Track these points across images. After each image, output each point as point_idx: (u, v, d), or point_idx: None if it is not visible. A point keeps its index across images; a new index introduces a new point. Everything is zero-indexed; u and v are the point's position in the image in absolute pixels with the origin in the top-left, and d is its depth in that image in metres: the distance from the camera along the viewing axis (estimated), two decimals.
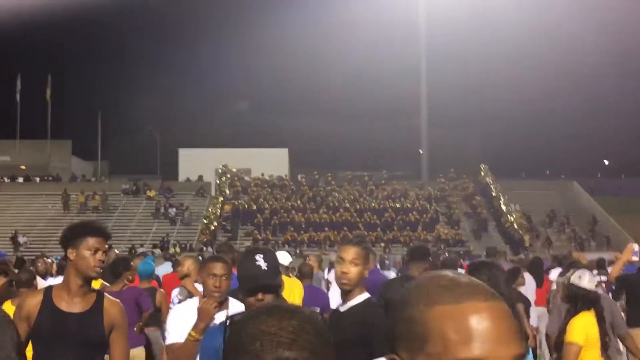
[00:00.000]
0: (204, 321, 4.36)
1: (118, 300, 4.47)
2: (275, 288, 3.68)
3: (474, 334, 1.20)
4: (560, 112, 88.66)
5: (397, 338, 1.28)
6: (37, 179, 58.18)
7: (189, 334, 4.41)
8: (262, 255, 3.74)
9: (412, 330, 1.25)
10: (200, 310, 4.41)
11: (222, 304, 4.54)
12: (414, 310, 1.25)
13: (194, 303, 4.66)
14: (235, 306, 4.60)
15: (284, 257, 9.04)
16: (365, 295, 4.31)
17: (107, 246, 4.31)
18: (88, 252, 4.18)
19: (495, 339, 1.20)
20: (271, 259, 3.75)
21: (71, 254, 4.19)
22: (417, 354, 1.23)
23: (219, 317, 4.50)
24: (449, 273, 1.30)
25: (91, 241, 4.20)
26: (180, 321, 4.52)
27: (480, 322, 1.20)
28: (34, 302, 4.11)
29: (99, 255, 4.20)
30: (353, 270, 4.25)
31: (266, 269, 3.67)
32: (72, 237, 4.24)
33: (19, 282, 7.32)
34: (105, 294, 4.44)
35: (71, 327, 4.11)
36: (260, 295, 3.62)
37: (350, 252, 4.29)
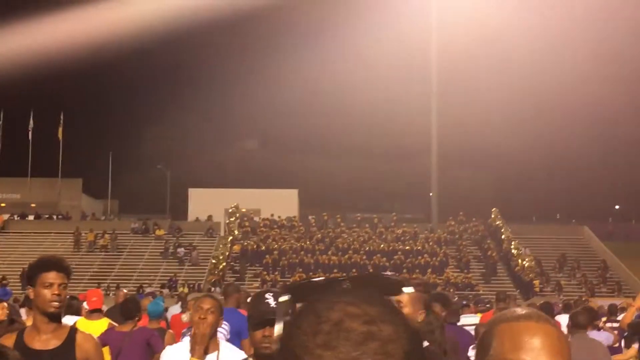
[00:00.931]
0: (200, 343, 4.41)
1: (92, 335, 4.47)
2: None
3: (523, 344, 1.67)
4: (571, 157, 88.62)
5: (477, 349, 1.80)
6: (48, 217, 58.28)
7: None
8: (271, 294, 3.77)
9: (484, 341, 1.75)
10: (193, 335, 4.49)
11: (211, 344, 4.61)
12: (487, 328, 1.78)
13: (184, 345, 4.71)
14: (227, 347, 4.63)
15: None
16: None
17: (64, 280, 4.23)
18: (43, 289, 4.15)
19: (539, 349, 1.65)
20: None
21: (31, 293, 4.20)
22: (485, 357, 1.73)
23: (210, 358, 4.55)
24: (516, 308, 1.83)
25: (45, 276, 4.17)
26: None
27: (529, 336, 1.68)
28: (7, 344, 4.08)
29: (54, 289, 4.14)
30: None
31: (275, 306, 3.68)
32: (30, 275, 4.25)
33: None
34: (79, 329, 4.42)
35: None
36: (267, 330, 3.64)
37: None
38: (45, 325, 4.17)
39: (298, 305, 1.27)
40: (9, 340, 4.12)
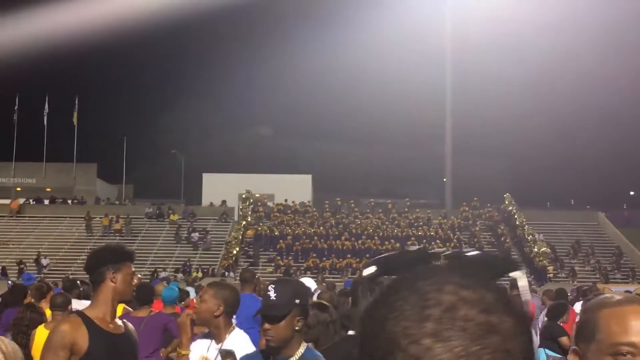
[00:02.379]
0: (183, 335, 4.42)
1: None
2: (279, 319, 3.67)
3: (631, 326, 1.75)
4: (586, 142, 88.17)
5: (576, 336, 1.87)
6: (63, 201, 58.57)
7: (178, 352, 4.51)
8: (274, 286, 3.77)
9: (587, 328, 1.82)
10: (179, 325, 4.52)
11: (221, 332, 4.59)
12: (587, 314, 1.85)
13: (204, 343, 4.68)
14: (235, 337, 4.59)
15: (307, 284, 9.04)
16: None
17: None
18: (128, 277, 4.23)
19: None
20: (283, 289, 3.75)
21: (114, 277, 4.20)
22: (590, 343, 1.78)
23: (206, 344, 4.55)
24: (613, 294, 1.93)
25: (130, 266, 4.34)
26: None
27: (636, 318, 1.75)
28: (76, 327, 4.07)
29: (135, 278, 4.34)
30: None
31: (274, 299, 3.68)
32: (114, 260, 4.26)
33: (54, 305, 7.39)
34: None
35: (122, 348, 4.15)
36: (265, 325, 3.66)
37: None
38: (114, 311, 4.24)
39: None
40: (76, 321, 4.11)
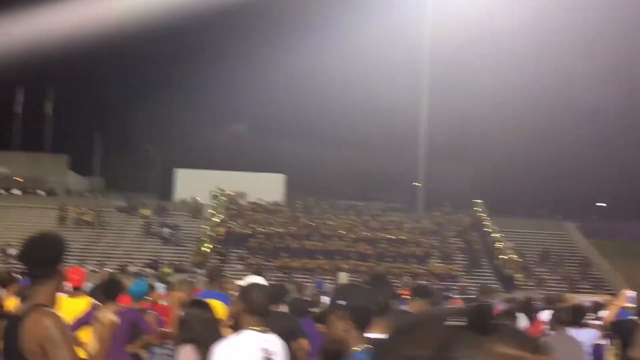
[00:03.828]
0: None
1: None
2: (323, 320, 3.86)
3: None
4: (558, 152, 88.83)
5: None
6: (34, 192, 58.02)
7: None
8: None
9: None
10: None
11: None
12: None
13: (244, 339, 4.64)
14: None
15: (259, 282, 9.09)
16: None
17: None
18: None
19: None
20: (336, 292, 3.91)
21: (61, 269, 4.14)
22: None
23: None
24: None
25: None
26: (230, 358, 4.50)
27: None
28: None
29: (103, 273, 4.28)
30: None
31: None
32: (63, 253, 4.18)
33: (23, 296, 7.32)
34: None
35: None
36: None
37: None
38: None
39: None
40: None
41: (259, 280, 9.37)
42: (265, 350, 4.51)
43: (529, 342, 1.10)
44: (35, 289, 4.07)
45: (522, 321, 11.88)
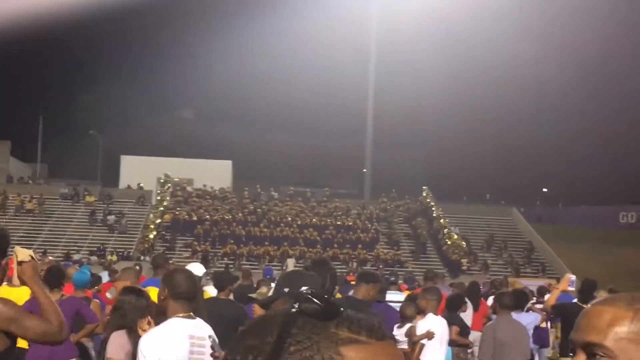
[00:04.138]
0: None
1: None
2: (265, 307, 3.83)
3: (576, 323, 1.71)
4: (503, 139, 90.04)
5: None
6: None
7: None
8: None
9: None
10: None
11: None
12: None
13: (171, 325, 4.56)
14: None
15: (197, 269, 9.10)
16: None
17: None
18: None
19: None
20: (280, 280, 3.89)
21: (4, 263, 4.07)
22: None
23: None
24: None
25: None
26: (159, 346, 4.42)
27: (582, 316, 1.70)
28: None
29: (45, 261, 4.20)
30: None
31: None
32: (6, 247, 4.10)
33: None
34: None
35: None
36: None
37: None
38: None
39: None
40: None
41: (198, 267, 9.36)
42: (193, 337, 4.45)
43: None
44: None
45: (468, 305, 12.01)
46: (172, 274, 4.92)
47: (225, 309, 7.59)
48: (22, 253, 4.07)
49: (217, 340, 4.64)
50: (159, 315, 5.72)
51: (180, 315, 4.54)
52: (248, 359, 1.10)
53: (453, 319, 10.68)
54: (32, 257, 4.12)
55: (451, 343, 10.51)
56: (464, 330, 10.41)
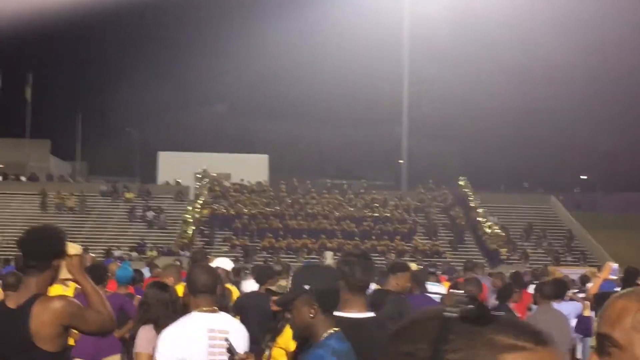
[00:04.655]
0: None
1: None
2: (287, 305, 3.73)
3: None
4: (541, 126, 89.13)
5: None
6: (15, 178, 57.61)
7: None
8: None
9: None
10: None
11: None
12: None
13: (189, 320, 4.61)
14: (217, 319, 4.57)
15: (225, 264, 9.17)
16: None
17: None
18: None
19: None
20: (295, 276, 3.79)
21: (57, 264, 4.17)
22: None
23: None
24: None
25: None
26: (174, 342, 4.46)
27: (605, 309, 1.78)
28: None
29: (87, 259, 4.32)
30: None
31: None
32: (61, 248, 4.19)
33: (6, 284, 7.28)
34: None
35: None
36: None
37: None
38: None
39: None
40: None
41: (226, 262, 9.43)
42: (213, 330, 4.48)
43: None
44: (28, 280, 4.14)
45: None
46: (190, 270, 4.99)
47: (266, 303, 7.63)
48: (73, 247, 4.19)
49: (246, 336, 4.65)
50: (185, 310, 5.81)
51: (202, 309, 4.59)
52: None
53: (500, 308, 10.68)
54: (80, 251, 4.26)
55: None
56: None
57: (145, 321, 5.82)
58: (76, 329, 4.23)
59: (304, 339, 3.64)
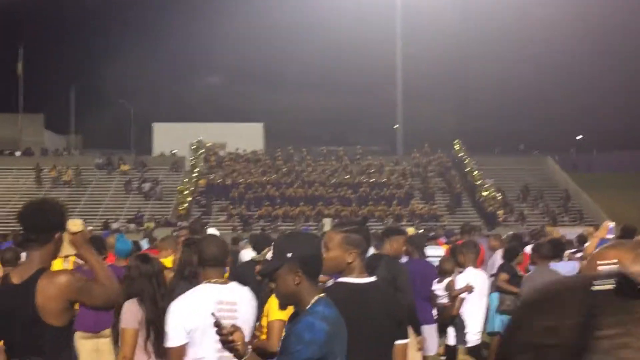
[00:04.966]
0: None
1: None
2: (271, 274, 3.67)
3: None
4: (534, 87, 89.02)
5: None
6: (10, 153, 57.48)
7: None
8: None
9: None
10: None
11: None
12: None
13: (198, 291, 4.61)
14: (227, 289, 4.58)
15: (212, 233, 9.18)
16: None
17: None
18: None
19: None
20: (275, 244, 3.73)
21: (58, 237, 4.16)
22: None
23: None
24: None
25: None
26: (183, 314, 4.47)
27: None
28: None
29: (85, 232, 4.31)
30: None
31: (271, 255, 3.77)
32: (62, 221, 4.19)
33: (4, 260, 7.26)
34: None
35: None
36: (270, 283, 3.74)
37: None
38: None
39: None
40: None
41: (214, 232, 9.45)
42: (222, 302, 4.48)
43: None
44: (31, 254, 4.13)
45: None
46: (200, 241, 4.98)
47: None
48: (75, 224, 4.17)
49: (255, 306, 4.66)
50: (188, 281, 5.80)
51: (211, 281, 4.59)
52: (547, 342, 0.96)
53: (504, 267, 10.75)
54: (82, 227, 4.24)
55: (499, 290, 10.59)
56: (514, 279, 10.40)
57: (129, 295, 5.80)
58: (82, 303, 4.23)
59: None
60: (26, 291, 3.97)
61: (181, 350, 4.38)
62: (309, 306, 3.39)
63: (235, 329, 3.36)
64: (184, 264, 6.08)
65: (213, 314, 3.45)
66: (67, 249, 4.19)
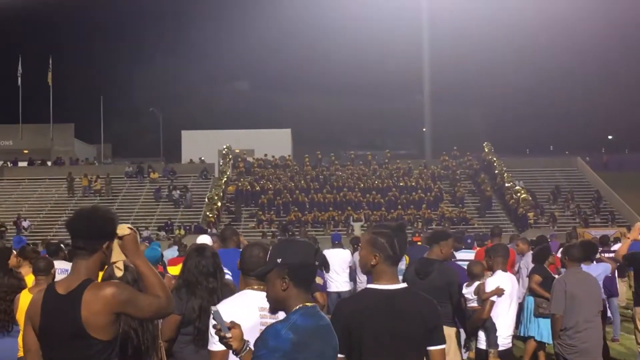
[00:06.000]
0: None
1: None
2: (261, 278, 3.72)
3: None
4: (563, 88, 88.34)
5: None
6: (41, 163, 58.09)
7: None
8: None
9: None
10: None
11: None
12: None
13: (243, 298, 4.62)
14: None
15: (205, 240, 9.19)
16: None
17: None
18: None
19: None
20: (272, 249, 3.75)
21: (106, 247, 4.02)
22: None
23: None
24: None
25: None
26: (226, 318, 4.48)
27: None
28: None
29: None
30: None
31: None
32: (110, 230, 4.03)
33: (37, 269, 7.29)
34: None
35: None
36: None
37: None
38: None
39: None
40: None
41: (206, 239, 9.47)
42: (263, 309, 4.49)
43: None
44: (77, 264, 4.01)
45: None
46: (244, 249, 5.00)
47: None
48: (121, 227, 4.08)
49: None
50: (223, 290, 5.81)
51: (253, 287, 4.61)
52: None
53: (536, 270, 10.70)
54: (131, 230, 4.13)
55: (532, 293, 10.57)
56: (547, 281, 10.33)
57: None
58: (129, 316, 4.04)
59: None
60: (71, 303, 3.84)
61: (224, 354, 4.39)
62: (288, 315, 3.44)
63: (234, 325, 3.39)
64: (189, 270, 6.06)
65: (212, 308, 3.49)
66: (116, 254, 4.10)
